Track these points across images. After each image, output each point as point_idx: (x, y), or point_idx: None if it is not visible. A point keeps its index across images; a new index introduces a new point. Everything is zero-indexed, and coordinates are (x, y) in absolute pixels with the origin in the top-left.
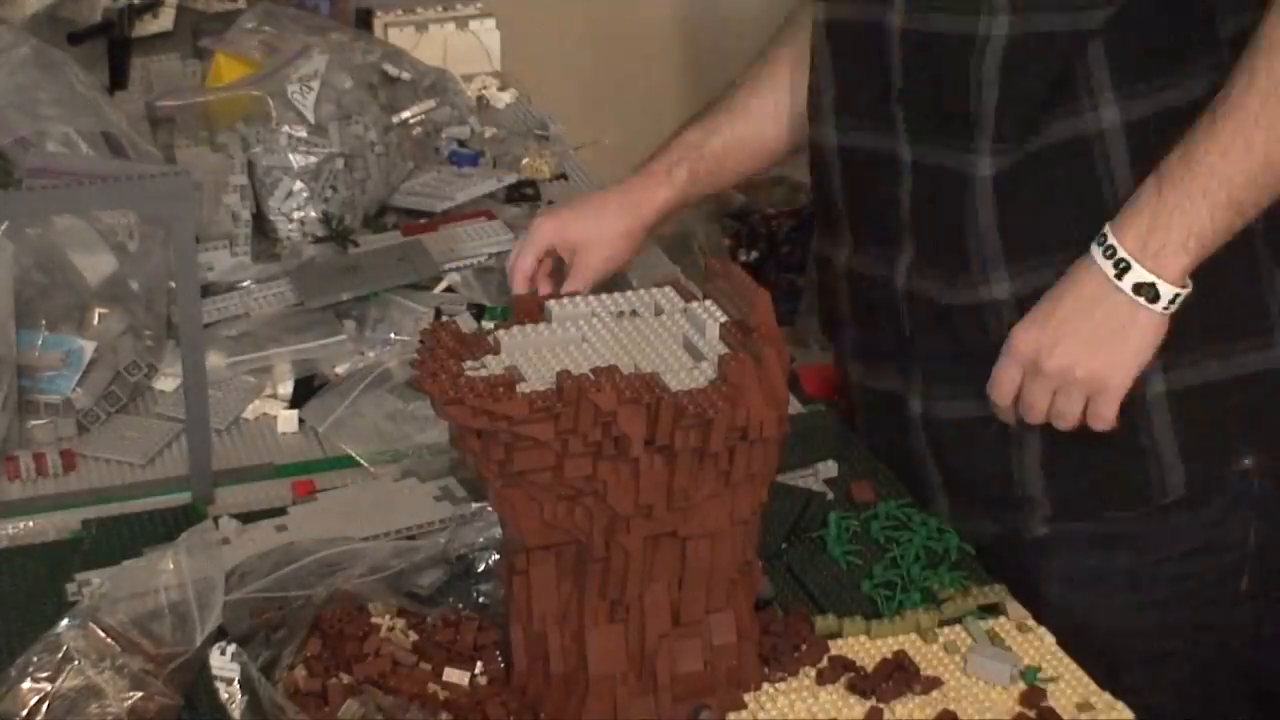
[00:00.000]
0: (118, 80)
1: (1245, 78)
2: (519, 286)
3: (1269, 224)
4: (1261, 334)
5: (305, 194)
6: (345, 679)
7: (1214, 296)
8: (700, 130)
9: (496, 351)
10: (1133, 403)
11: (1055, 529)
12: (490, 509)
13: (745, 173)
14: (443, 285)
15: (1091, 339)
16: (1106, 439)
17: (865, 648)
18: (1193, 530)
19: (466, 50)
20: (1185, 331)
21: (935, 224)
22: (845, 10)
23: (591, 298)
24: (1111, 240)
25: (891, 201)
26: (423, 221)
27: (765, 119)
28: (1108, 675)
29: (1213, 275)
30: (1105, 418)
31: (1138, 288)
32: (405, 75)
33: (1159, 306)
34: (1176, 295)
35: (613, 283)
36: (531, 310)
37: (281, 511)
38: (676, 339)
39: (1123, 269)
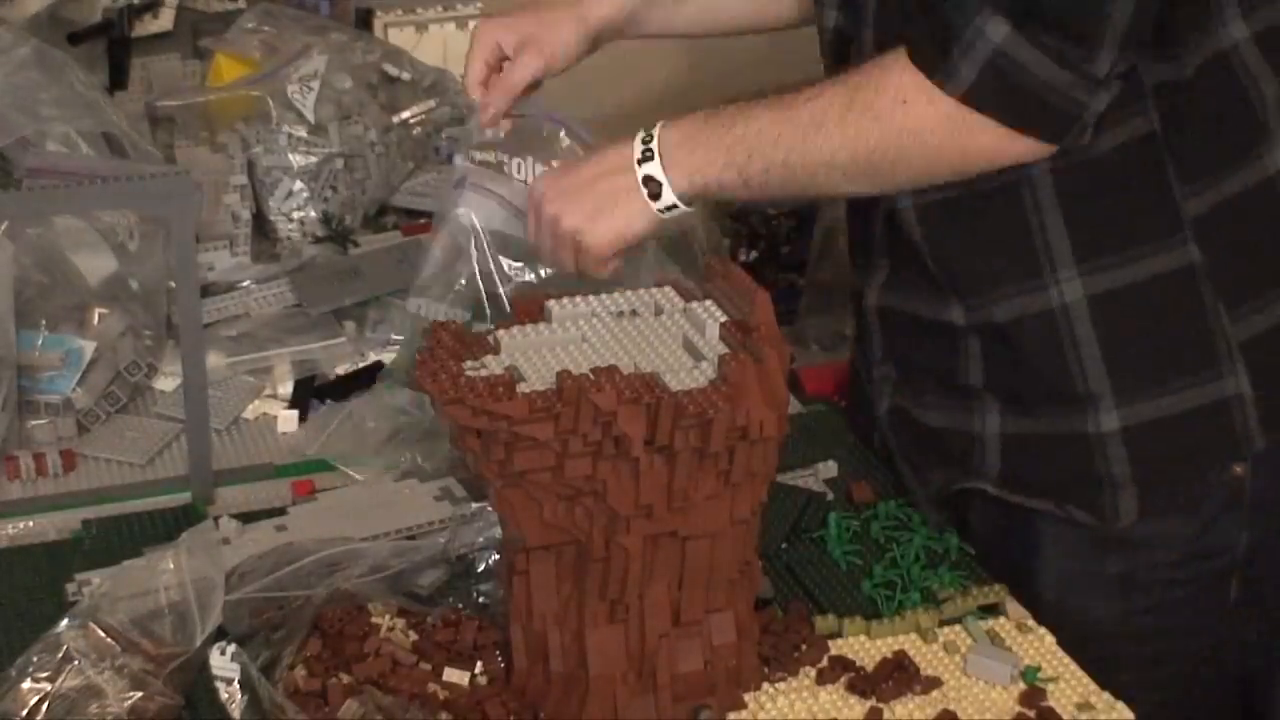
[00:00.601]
0: (118, 80)
1: (818, 88)
2: (472, 93)
3: (1212, 260)
4: (1211, 367)
5: (305, 194)
6: (345, 679)
7: (1161, 334)
8: None
9: (496, 351)
10: (1086, 438)
11: (1054, 530)
12: (490, 509)
13: (705, 19)
14: None
15: (584, 200)
16: (1060, 456)
17: (865, 648)
18: (1184, 535)
19: (466, 50)
20: (1136, 369)
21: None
22: None
23: (591, 298)
24: (656, 130)
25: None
26: (423, 221)
27: None
28: (1102, 677)
29: (1157, 313)
30: (587, 269)
31: (647, 179)
32: (405, 75)
33: (657, 205)
34: (673, 205)
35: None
36: (531, 310)
37: (281, 512)
38: (676, 339)
39: (646, 156)
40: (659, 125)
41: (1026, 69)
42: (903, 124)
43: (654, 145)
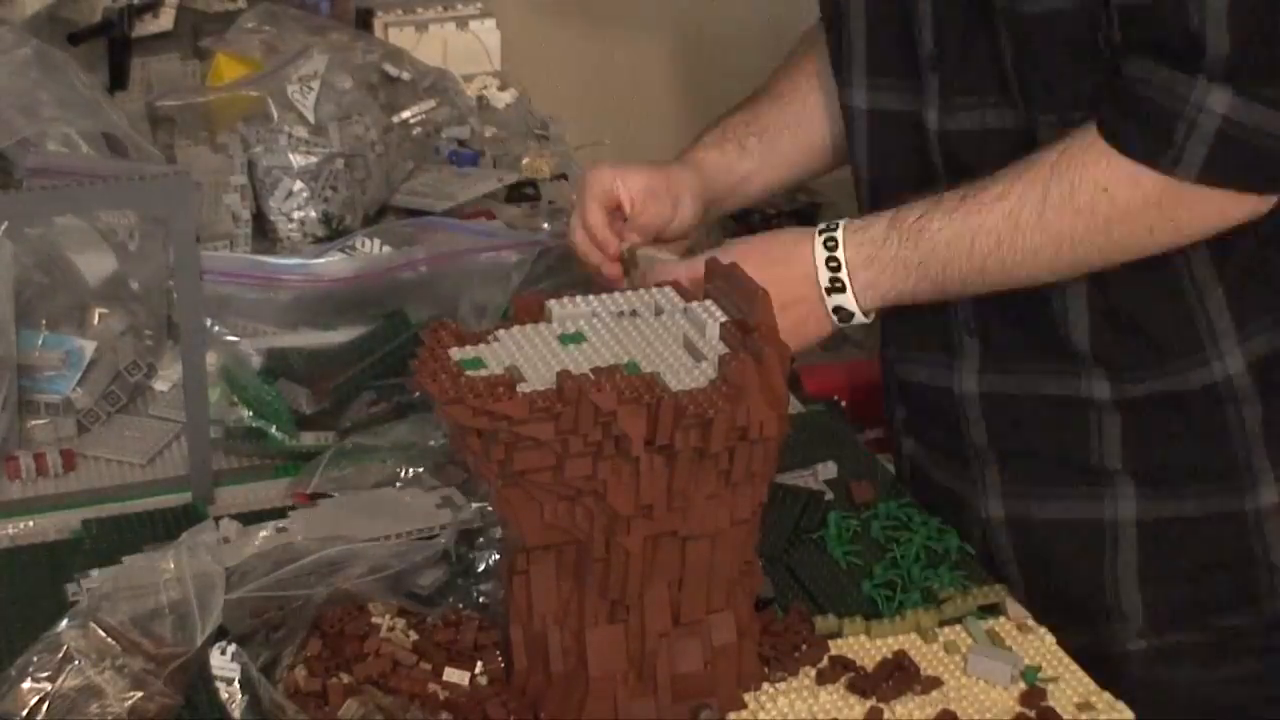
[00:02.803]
0: (118, 80)
1: (1003, 185)
2: (580, 244)
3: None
4: None
5: (305, 194)
6: (345, 679)
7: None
8: (744, 112)
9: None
10: (1243, 518)
11: (1154, 644)
12: (490, 509)
13: (797, 162)
14: None
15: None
16: (1213, 552)
17: (865, 648)
18: None
19: (466, 50)
20: None
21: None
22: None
23: (591, 297)
24: (840, 253)
25: None
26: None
27: (810, 108)
28: None
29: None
30: None
31: (839, 309)
32: (405, 75)
33: (839, 322)
34: (859, 324)
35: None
36: (532, 310)
37: (282, 513)
38: (676, 339)
39: (836, 287)
40: (839, 237)
41: (1260, 129)
42: (1109, 213)
43: (842, 275)
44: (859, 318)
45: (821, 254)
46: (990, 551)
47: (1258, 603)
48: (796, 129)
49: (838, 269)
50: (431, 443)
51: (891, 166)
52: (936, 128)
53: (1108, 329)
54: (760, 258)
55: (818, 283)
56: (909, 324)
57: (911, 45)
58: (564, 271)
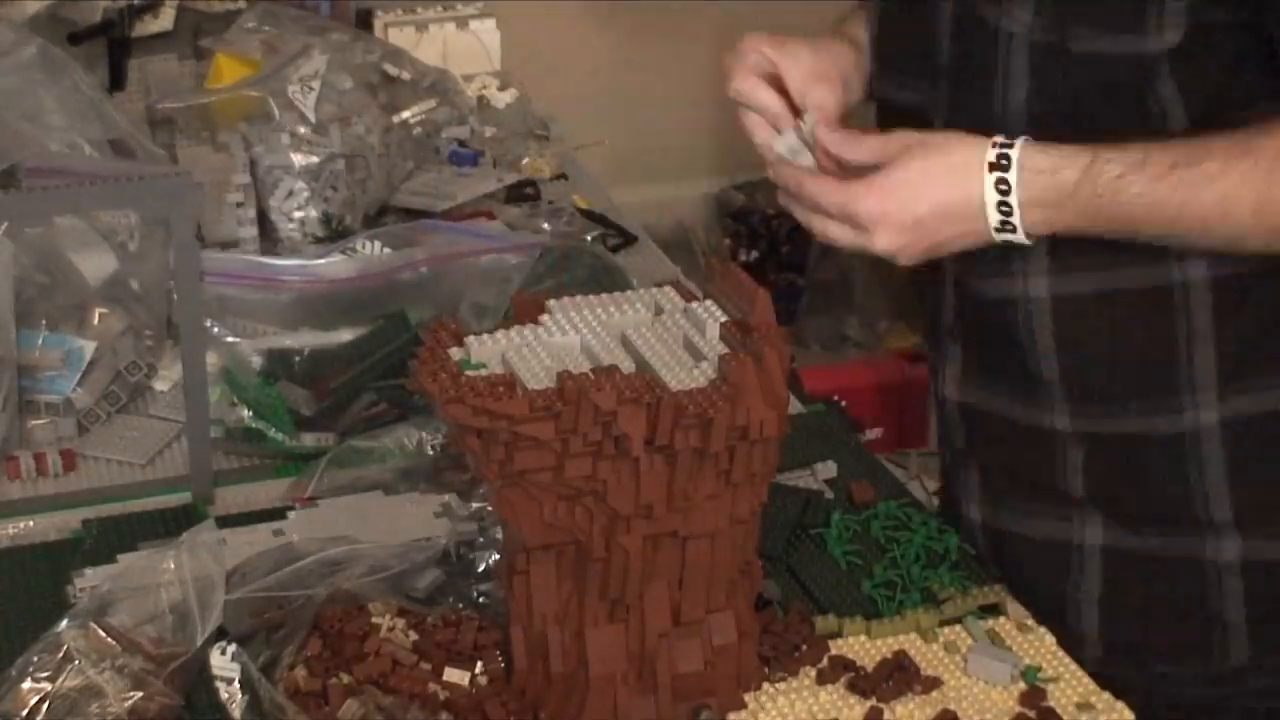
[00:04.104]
0: (116, 81)
1: (1219, 162)
2: (753, 113)
3: None
4: None
5: (306, 194)
6: (345, 679)
7: None
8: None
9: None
10: (1202, 569)
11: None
12: (490, 509)
13: None
14: None
15: (917, 240)
16: (1170, 596)
17: (865, 648)
18: None
19: (466, 50)
20: (1267, 501)
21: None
22: None
23: (591, 297)
24: (1013, 198)
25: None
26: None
27: None
28: None
29: None
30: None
31: (1002, 227)
32: (405, 75)
33: (998, 237)
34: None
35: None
36: (532, 310)
37: (282, 514)
38: (676, 339)
39: (1007, 228)
40: (1011, 179)
41: None
42: None
43: (1015, 219)
44: (1021, 241)
45: (992, 198)
46: (977, 551)
47: (1205, 657)
48: None
49: (1009, 213)
50: (429, 449)
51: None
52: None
53: (1090, 366)
54: (930, 189)
55: (986, 212)
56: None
57: None
58: (564, 271)
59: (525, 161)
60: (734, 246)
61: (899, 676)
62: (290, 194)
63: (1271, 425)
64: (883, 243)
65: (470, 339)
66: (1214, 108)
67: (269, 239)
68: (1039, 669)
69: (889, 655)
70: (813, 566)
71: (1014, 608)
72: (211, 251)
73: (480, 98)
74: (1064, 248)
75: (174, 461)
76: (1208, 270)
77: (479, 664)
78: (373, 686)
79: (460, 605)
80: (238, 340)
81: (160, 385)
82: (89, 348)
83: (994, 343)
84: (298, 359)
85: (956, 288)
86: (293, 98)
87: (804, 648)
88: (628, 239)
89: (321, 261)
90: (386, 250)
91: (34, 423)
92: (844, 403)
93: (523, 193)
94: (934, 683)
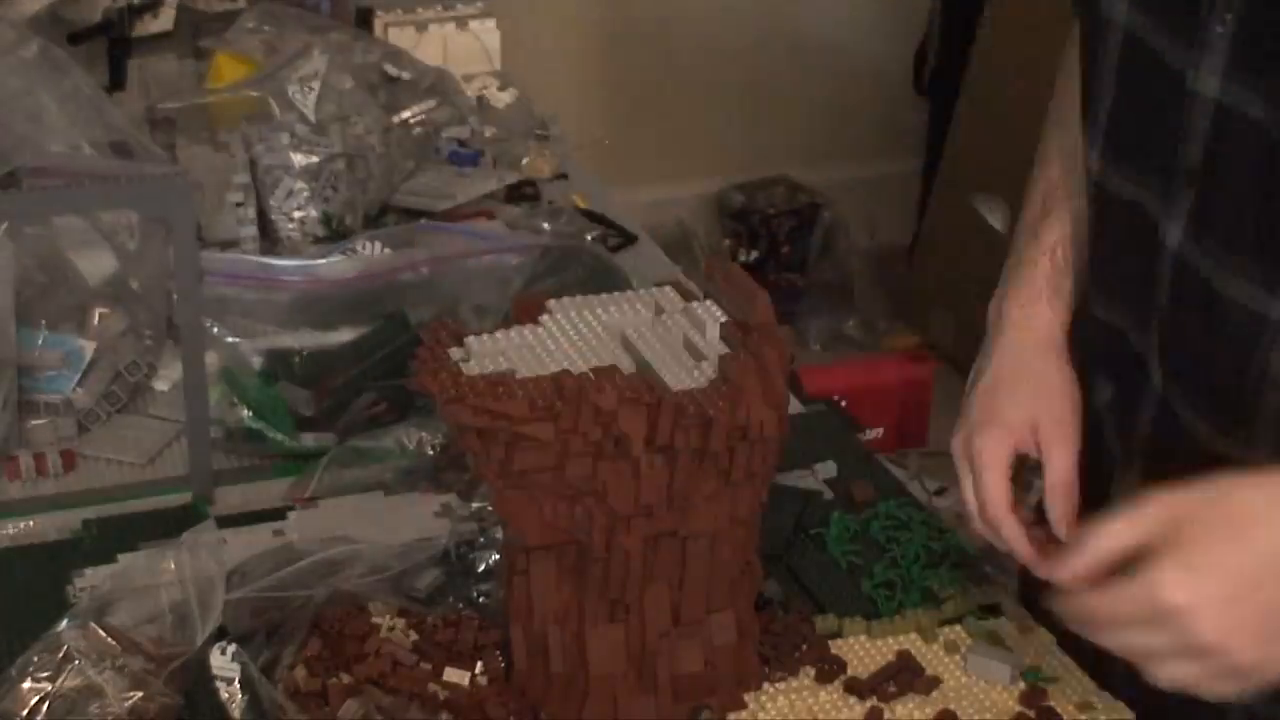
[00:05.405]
0: (117, 81)
1: None
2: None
3: None
4: None
5: (306, 194)
6: (345, 679)
7: None
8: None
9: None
10: None
11: None
12: (490, 509)
13: None
14: None
15: (1264, 627)
16: None
17: (865, 648)
18: None
19: (466, 50)
20: None
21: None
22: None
23: (591, 297)
24: None
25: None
26: (423, 221)
27: None
28: None
29: None
30: (1218, 694)
31: None
32: (405, 75)
33: None
34: None
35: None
36: (532, 311)
37: (282, 514)
38: (676, 339)
39: None
40: None
41: None
42: None
43: None
44: None
45: None
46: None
47: None
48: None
49: None
50: (429, 449)
51: (1141, 105)
52: (1215, 95)
53: None
54: (1221, 524)
55: None
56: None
57: None
58: (564, 271)
59: (525, 161)
60: (734, 246)
61: (899, 676)
62: (290, 194)
63: None
64: (1217, 634)
65: (470, 339)
66: None
67: (269, 239)
68: (1039, 669)
69: (889, 655)
70: (813, 566)
71: (1014, 608)
72: (211, 251)
73: (480, 98)
74: None
75: (174, 461)
76: None
77: (479, 664)
78: (373, 686)
79: (460, 605)
80: (238, 340)
81: (160, 385)
82: (89, 348)
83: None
84: (298, 359)
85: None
86: (293, 98)
87: (804, 648)
88: (628, 239)
89: (321, 261)
90: (386, 250)
91: (34, 423)
92: (844, 403)
93: (523, 193)
94: (934, 683)
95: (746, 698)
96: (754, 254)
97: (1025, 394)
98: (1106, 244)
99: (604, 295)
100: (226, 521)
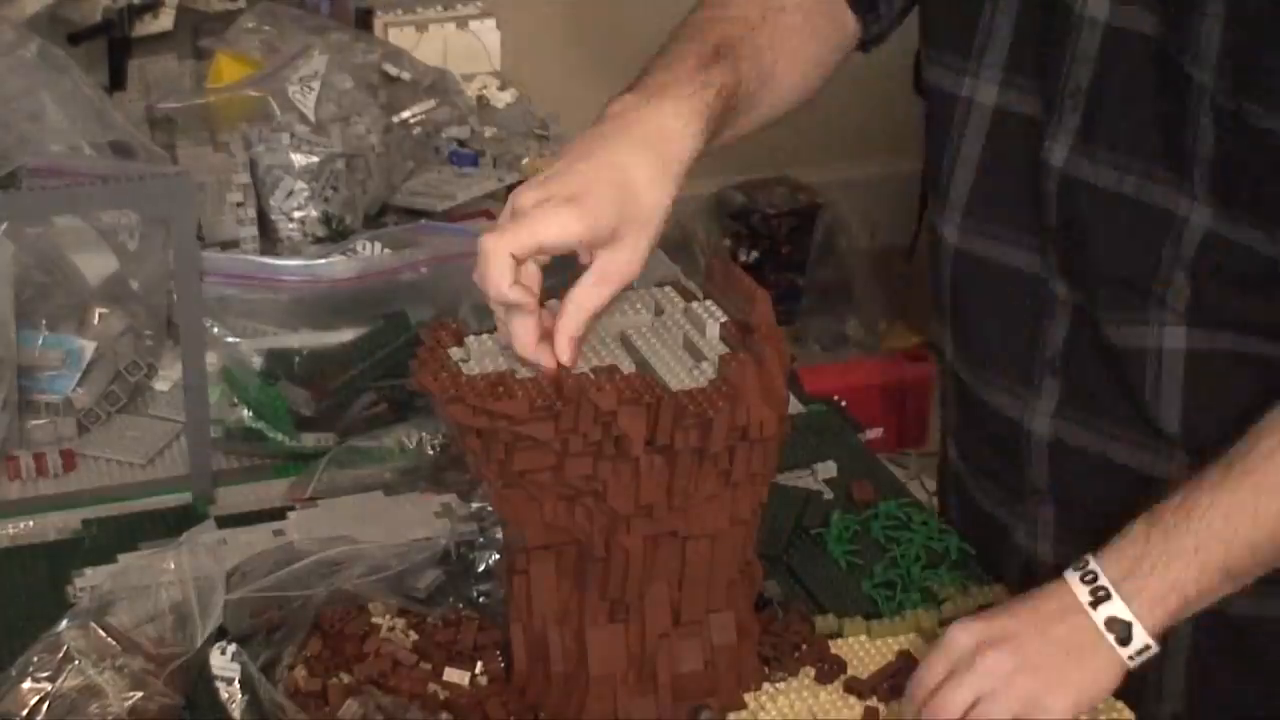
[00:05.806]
0: (117, 81)
1: (1273, 440)
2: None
3: None
4: None
5: (306, 193)
6: (345, 679)
7: None
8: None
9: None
10: None
11: None
12: (490, 509)
13: (765, 112)
14: None
15: (1040, 654)
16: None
17: (865, 648)
18: None
19: (466, 50)
20: None
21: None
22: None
23: None
24: (1094, 566)
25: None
26: (424, 222)
27: (788, 54)
28: None
29: None
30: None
31: (1110, 622)
32: (405, 75)
33: (1126, 652)
34: (1146, 647)
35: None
36: None
37: (282, 514)
38: (676, 339)
39: (1100, 598)
40: (1089, 558)
41: None
42: None
43: (1103, 582)
44: (1141, 637)
45: (1075, 575)
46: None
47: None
48: (780, 77)
49: (1092, 579)
50: (429, 449)
51: (1002, 176)
52: (1060, 166)
53: (1204, 417)
54: (1030, 632)
55: (1076, 598)
56: (990, 349)
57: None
58: (564, 270)
59: (525, 161)
60: (734, 246)
61: (899, 677)
62: (290, 194)
63: None
64: (997, 665)
65: (470, 339)
66: None
67: (269, 239)
68: None
69: (889, 655)
70: (813, 566)
71: None
72: (211, 251)
73: (480, 98)
74: (1207, 296)
75: (174, 461)
76: None
77: (479, 664)
78: (373, 686)
79: (460, 605)
80: (238, 340)
81: (160, 385)
82: (89, 348)
83: (1107, 385)
84: (298, 359)
85: (1074, 327)
86: (293, 98)
87: (804, 648)
88: None
89: (321, 261)
90: (386, 250)
91: (34, 423)
92: (844, 403)
93: None
94: None
95: (746, 698)
96: (754, 254)
97: (615, 197)
98: (992, 163)
99: None
100: (226, 521)
